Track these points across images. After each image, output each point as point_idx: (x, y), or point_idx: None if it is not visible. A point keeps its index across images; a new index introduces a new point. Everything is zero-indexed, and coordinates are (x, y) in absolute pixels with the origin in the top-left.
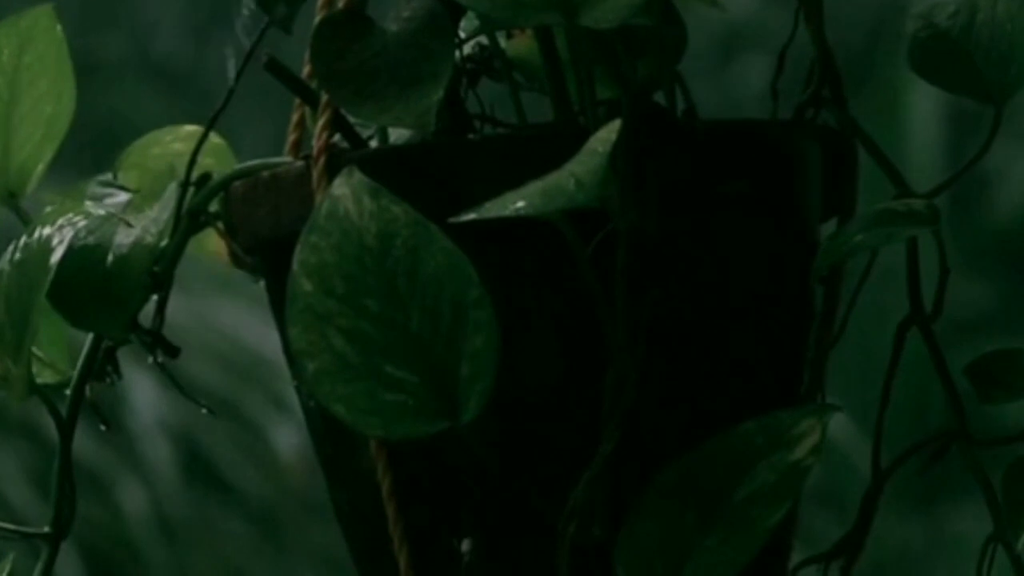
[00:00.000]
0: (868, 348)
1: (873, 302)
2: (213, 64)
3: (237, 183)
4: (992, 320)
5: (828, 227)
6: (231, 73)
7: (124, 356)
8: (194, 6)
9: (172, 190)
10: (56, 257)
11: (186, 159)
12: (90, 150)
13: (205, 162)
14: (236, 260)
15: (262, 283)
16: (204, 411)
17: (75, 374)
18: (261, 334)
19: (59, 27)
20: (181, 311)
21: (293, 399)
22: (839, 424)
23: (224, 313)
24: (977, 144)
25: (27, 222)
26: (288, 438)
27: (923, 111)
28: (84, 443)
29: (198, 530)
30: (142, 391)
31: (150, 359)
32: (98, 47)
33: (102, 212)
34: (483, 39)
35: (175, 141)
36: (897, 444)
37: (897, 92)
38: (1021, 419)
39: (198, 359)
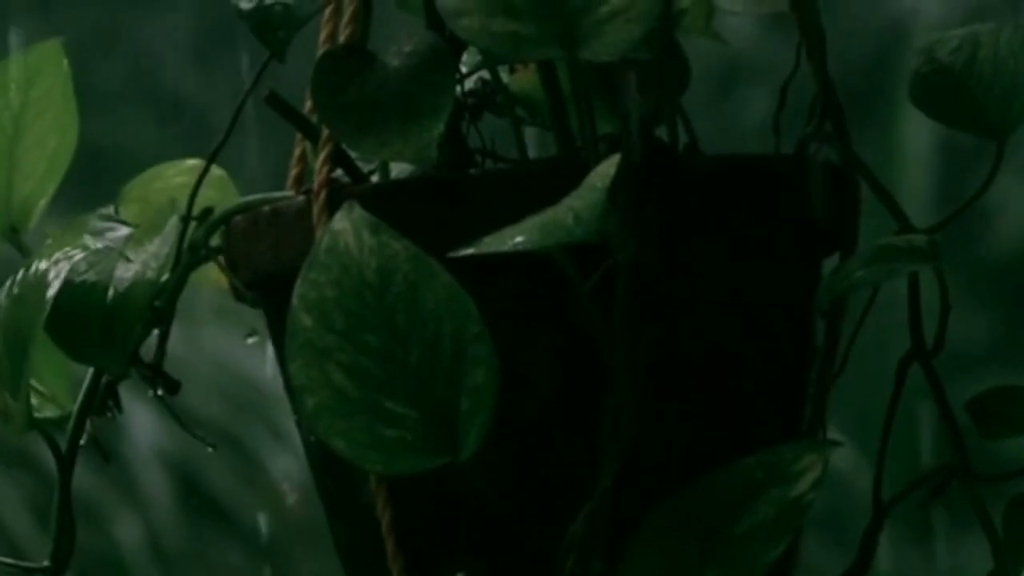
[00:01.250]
0: (868, 378)
1: (874, 336)
2: (212, 91)
3: (238, 217)
4: (990, 351)
5: (830, 261)
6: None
7: (122, 384)
8: (194, 33)
9: (173, 224)
10: (52, 291)
11: (188, 193)
12: (86, 177)
13: (207, 195)
14: (237, 294)
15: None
16: (207, 447)
17: (75, 408)
18: (258, 362)
19: (66, 62)
20: (177, 339)
21: (291, 428)
22: (840, 451)
23: (221, 341)
24: (972, 174)
25: (28, 256)
26: (286, 468)
27: (917, 141)
28: (79, 472)
29: (195, 560)
30: (139, 420)
31: (151, 393)
32: (95, 73)
33: (101, 246)
34: (485, 73)
35: (177, 175)
36: (895, 470)
37: (891, 123)
38: (1022, 454)
39: (195, 388)
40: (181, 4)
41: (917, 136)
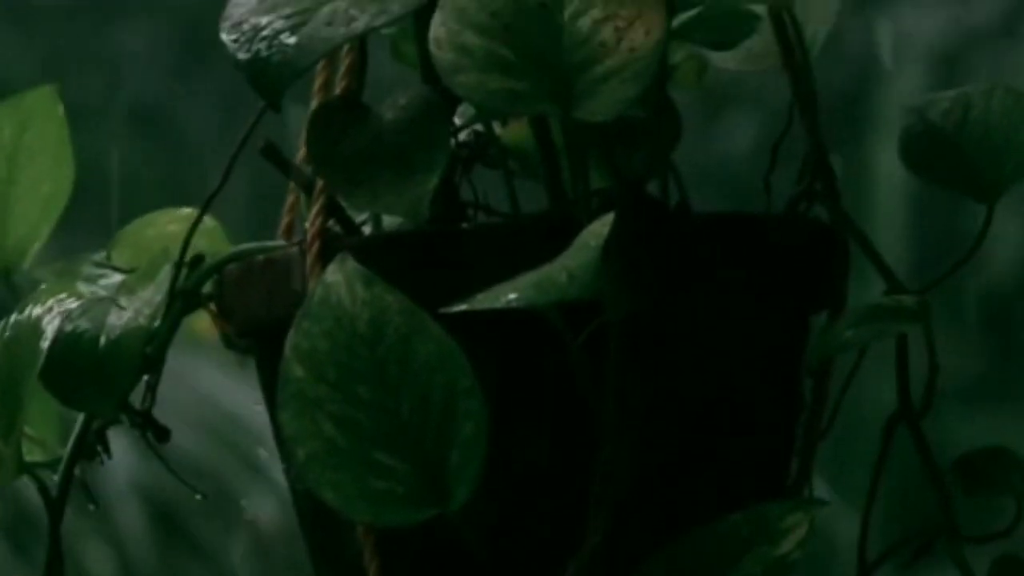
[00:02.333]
0: (854, 429)
1: (861, 391)
2: (188, 107)
3: (231, 266)
4: (976, 388)
5: (819, 317)
6: None
7: None
8: (169, 48)
9: (166, 272)
10: (47, 339)
11: (180, 241)
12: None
13: (198, 244)
14: (228, 342)
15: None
16: (194, 483)
17: (66, 453)
18: (236, 395)
19: (61, 107)
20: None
21: (269, 463)
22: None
23: (198, 374)
24: (947, 202)
25: (20, 298)
26: (264, 504)
27: (891, 165)
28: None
29: None
30: (115, 454)
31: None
32: (70, 89)
33: (94, 293)
34: (478, 126)
35: (170, 223)
36: (880, 517)
37: (867, 145)
38: (1006, 511)
39: (172, 422)
40: (156, 16)
41: (892, 160)
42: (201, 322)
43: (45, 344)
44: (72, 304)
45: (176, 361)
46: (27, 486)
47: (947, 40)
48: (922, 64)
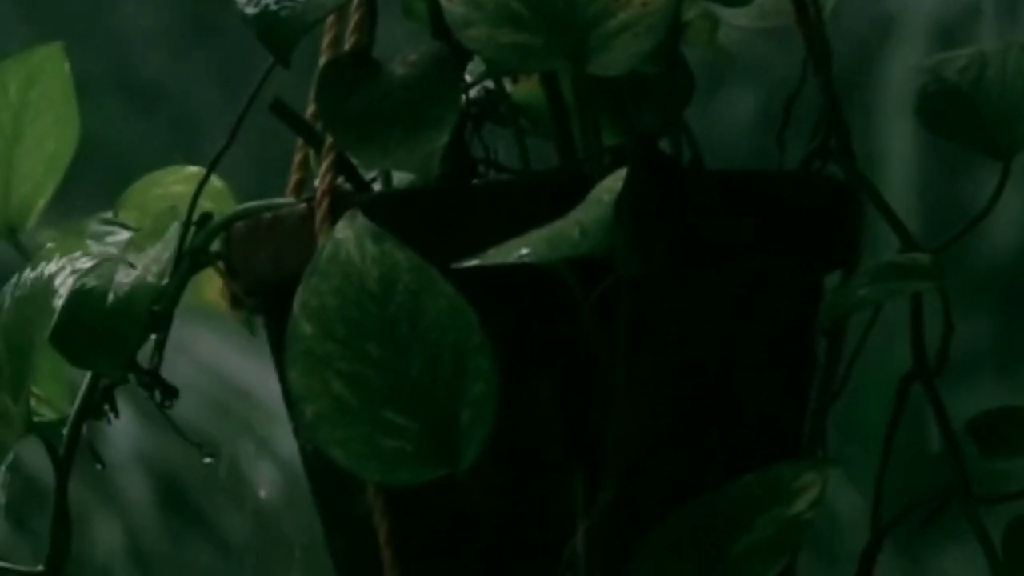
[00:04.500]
0: (865, 396)
1: (874, 353)
2: (190, 82)
3: (239, 224)
4: (985, 359)
5: (832, 278)
6: None
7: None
8: (172, 22)
9: (174, 230)
10: (60, 297)
11: (186, 200)
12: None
13: (204, 205)
14: (236, 301)
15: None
16: (197, 453)
17: (72, 412)
18: (239, 365)
19: (67, 65)
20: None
21: (273, 434)
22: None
23: (201, 343)
24: (959, 177)
25: (26, 257)
26: (268, 474)
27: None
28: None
29: (174, 566)
30: (119, 423)
31: (153, 399)
32: (72, 63)
33: (104, 251)
34: (489, 82)
35: (176, 183)
36: (890, 485)
37: (877, 117)
38: (1021, 475)
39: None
40: None
41: (903, 134)
42: (211, 292)
43: (58, 303)
44: (85, 262)
45: (178, 332)
46: (28, 461)
47: (946, 16)
48: (919, 41)
